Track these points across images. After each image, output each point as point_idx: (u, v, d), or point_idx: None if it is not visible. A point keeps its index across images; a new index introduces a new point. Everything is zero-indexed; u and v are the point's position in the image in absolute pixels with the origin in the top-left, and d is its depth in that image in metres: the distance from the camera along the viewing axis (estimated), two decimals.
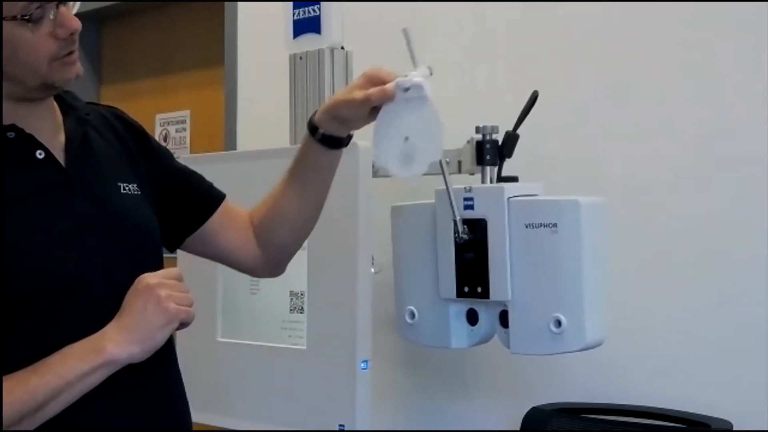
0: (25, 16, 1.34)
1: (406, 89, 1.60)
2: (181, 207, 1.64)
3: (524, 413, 2.10)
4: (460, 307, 1.95)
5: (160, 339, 1.40)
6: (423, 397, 2.46)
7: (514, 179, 1.96)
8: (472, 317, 1.94)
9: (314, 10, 2.19)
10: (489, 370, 2.32)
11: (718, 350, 2.02)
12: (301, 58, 2.21)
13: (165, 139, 3.36)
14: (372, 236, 2.01)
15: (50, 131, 1.44)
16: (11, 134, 1.39)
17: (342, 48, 2.20)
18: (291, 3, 2.23)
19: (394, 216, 2.07)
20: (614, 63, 2.18)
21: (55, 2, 1.35)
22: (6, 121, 1.40)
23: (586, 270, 1.76)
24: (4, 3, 1.35)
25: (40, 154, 1.41)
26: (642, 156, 2.13)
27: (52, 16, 1.35)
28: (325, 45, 2.17)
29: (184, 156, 2.37)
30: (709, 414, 1.96)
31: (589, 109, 2.21)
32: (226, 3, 3.00)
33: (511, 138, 1.97)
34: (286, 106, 2.26)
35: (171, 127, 3.37)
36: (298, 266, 2.03)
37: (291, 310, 2.08)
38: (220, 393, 2.20)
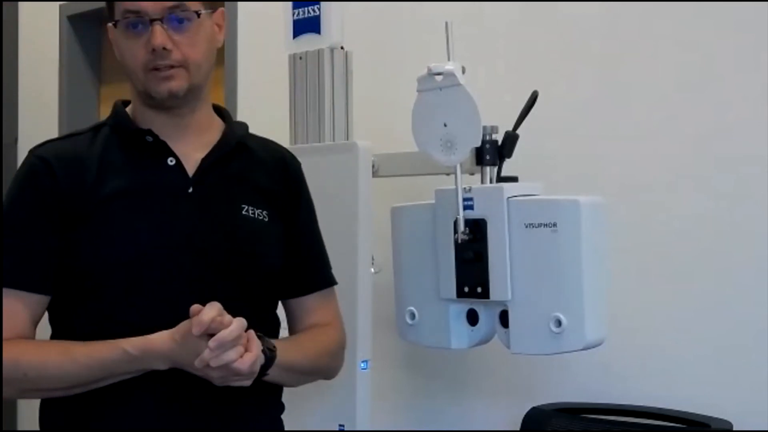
0: (118, 23, 1.50)
1: (438, 74, 1.69)
2: (287, 267, 1.63)
3: (524, 413, 2.10)
4: (460, 308, 1.95)
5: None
6: (423, 397, 2.46)
7: (514, 179, 1.96)
8: (473, 317, 1.94)
9: (314, 10, 2.19)
10: (489, 370, 2.32)
11: (718, 350, 2.02)
12: (300, 58, 2.21)
13: None
14: (372, 236, 2.01)
15: (193, 145, 1.56)
16: (149, 138, 1.53)
17: (342, 48, 2.20)
18: (291, 3, 2.23)
19: (394, 216, 2.07)
20: (613, 63, 2.18)
21: (149, 17, 1.48)
22: (148, 126, 1.55)
23: (586, 269, 1.76)
24: (115, 4, 1.51)
25: (171, 161, 1.53)
26: (641, 156, 2.13)
27: (149, 30, 1.48)
28: (325, 45, 2.17)
29: None
30: (709, 414, 1.96)
31: (588, 109, 2.21)
32: (226, 3, 3.00)
33: (511, 138, 1.97)
34: (286, 106, 2.26)
35: None
36: None
37: None
38: None
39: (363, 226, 1.98)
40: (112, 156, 1.53)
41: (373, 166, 2.05)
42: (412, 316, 2.01)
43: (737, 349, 2.00)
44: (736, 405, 1.96)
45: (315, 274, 1.69)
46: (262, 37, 2.83)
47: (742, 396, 1.98)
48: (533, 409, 2.11)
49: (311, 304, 1.66)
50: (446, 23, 1.82)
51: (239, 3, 2.96)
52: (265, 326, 1.52)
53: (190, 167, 1.54)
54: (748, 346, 1.98)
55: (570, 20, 2.24)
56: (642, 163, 2.13)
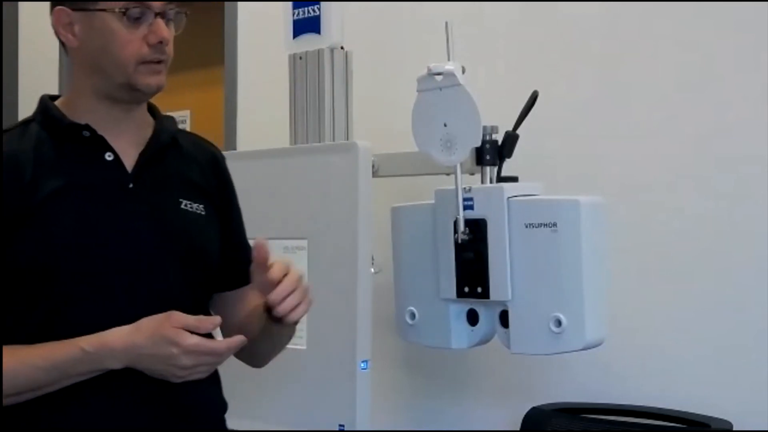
0: (122, 10, 1.46)
1: (438, 74, 1.69)
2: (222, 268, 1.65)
3: (524, 413, 2.10)
4: (461, 308, 1.95)
5: (162, 376, 1.44)
6: (423, 398, 2.46)
7: (513, 179, 1.96)
8: (473, 317, 1.94)
9: (314, 10, 2.19)
10: (489, 370, 2.32)
11: (718, 350, 2.02)
12: (300, 58, 2.21)
13: None
14: (372, 236, 2.01)
15: (130, 140, 1.54)
16: (86, 133, 1.50)
17: (342, 48, 2.20)
18: (291, 3, 2.23)
19: (394, 216, 2.07)
20: (613, 63, 2.18)
21: (154, 12, 1.48)
22: (84, 120, 1.51)
23: (586, 269, 1.77)
24: None
25: (108, 156, 1.51)
26: (641, 155, 2.13)
27: (149, 23, 1.48)
28: (325, 45, 2.17)
29: None
30: (709, 414, 1.96)
31: (588, 109, 2.21)
32: (226, 3, 3.00)
33: (511, 138, 1.98)
34: (286, 106, 2.26)
35: None
36: (298, 266, 2.03)
37: None
38: None
39: (363, 226, 1.98)
40: (47, 153, 1.49)
41: (373, 166, 2.05)
42: (412, 316, 2.01)
43: (737, 349, 2.00)
44: (736, 405, 1.96)
45: (242, 266, 1.67)
46: (262, 37, 2.83)
47: (742, 396, 1.98)
48: (533, 409, 2.11)
49: (246, 293, 1.67)
50: (446, 23, 1.82)
51: (239, 3, 2.96)
52: (196, 314, 1.52)
53: (128, 163, 1.52)
54: (748, 346, 1.98)
55: (570, 20, 2.24)
56: (642, 163, 2.13)
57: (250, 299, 1.66)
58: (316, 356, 2.03)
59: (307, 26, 2.21)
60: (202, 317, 1.45)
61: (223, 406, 1.66)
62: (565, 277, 1.77)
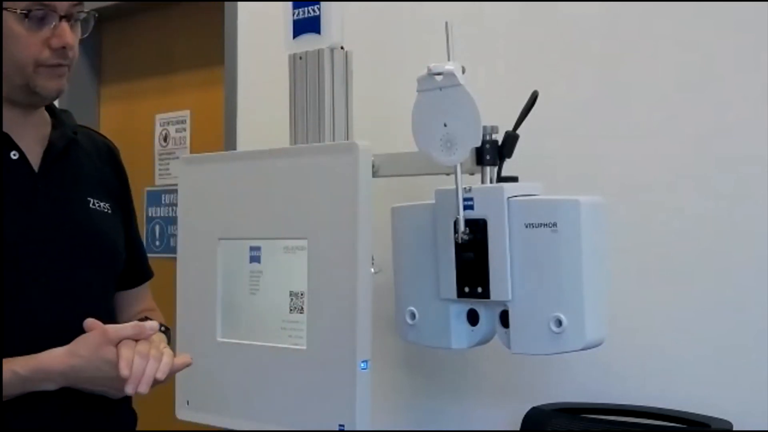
0: (24, 12, 1.42)
1: (438, 74, 1.70)
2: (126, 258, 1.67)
3: (524, 413, 2.10)
4: (461, 308, 1.95)
5: (104, 393, 1.45)
6: (423, 398, 2.46)
7: (514, 179, 1.96)
8: (473, 317, 1.94)
9: (314, 10, 2.19)
10: (489, 370, 2.32)
11: (718, 350, 2.02)
12: (300, 58, 2.21)
13: (165, 139, 3.36)
14: (372, 236, 2.00)
15: (33, 139, 1.52)
16: None
17: (342, 48, 2.20)
18: (291, 3, 2.23)
19: (394, 216, 2.07)
20: (613, 63, 2.18)
21: (59, 14, 1.43)
22: None
23: (586, 269, 1.77)
24: None
25: (14, 155, 1.49)
26: (641, 155, 2.13)
27: (52, 25, 1.44)
28: (325, 45, 2.17)
29: (183, 156, 2.38)
30: (709, 414, 1.96)
31: (588, 109, 2.21)
32: (226, 3, 3.00)
33: (511, 138, 1.98)
34: (286, 106, 2.25)
35: (171, 127, 3.37)
36: (298, 266, 2.03)
37: (291, 310, 2.08)
38: (220, 393, 2.20)
39: (363, 226, 1.97)
40: None
41: (373, 166, 2.05)
42: (412, 316, 2.01)
43: (737, 349, 2.00)
44: (736, 405, 1.96)
45: (144, 264, 1.73)
46: (262, 37, 2.83)
47: (742, 396, 1.98)
48: (533, 409, 2.11)
49: (141, 293, 1.70)
50: (446, 23, 1.82)
51: (239, 3, 2.96)
52: (111, 316, 1.55)
53: (34, 161, 1.51)
54: (748, 347, 1.98)
55: (570, 20, 2.24)
56: (642, 163, 2.13)
57: (144, 298, 1.69)
58: (316, 356, 2.03)
59: (307, 26, 2.21)
60: (136, 324, 1.42)
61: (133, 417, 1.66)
62: (565, 277, 1.77)
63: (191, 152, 3.24)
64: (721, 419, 1.94)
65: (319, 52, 2.18)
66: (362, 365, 1.96)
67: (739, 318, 2.00)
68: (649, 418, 2.01)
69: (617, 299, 1.92)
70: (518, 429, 2.11)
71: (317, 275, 2.04)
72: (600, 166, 2.18)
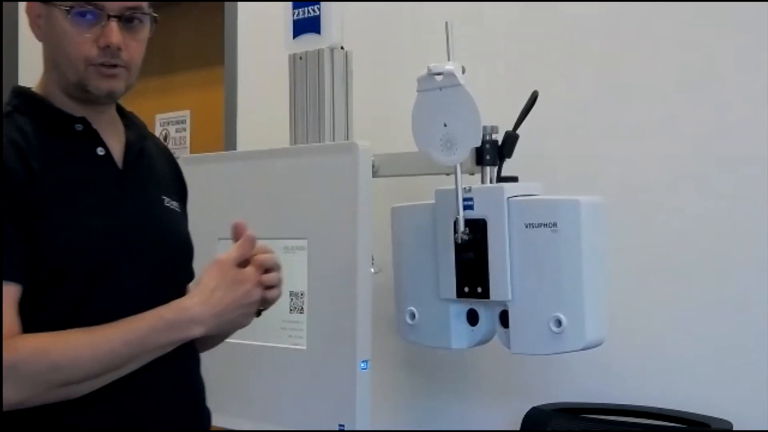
0: (66, 9, 1.43)
1: (438, 74, 1.69)
2: None
3: (524, 413, 2.10)
4: (461, 308, 1.95)
5: (240, 323, 1.53)
6: (423, 397, 2.46)
7: (513, 179, 1.96)
8: (473, 317, 1.94)
9: (314, 10, 2.19)
10: (489, 370, 2.32)
11: (718, 350, 2.02)
12: (300, 58, 2.21)
13: (165, 139, 3.36)
14: (372, 236, 2.01)
15: (112, 136, 1.53)
16: (79, 126, 1.49)
17: (342, 48, 2.20)
18: (291, 3, 2.23)
19: (394, 216, 2.07)
20: (613, 63, 2.18)
21: (107, 14, 1.43)
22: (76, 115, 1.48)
23: (586, 269, 1.77)
24: None
25: (100, 151, 1.50)
26: (641, 155, 2.13)
27: (102, 25, 1.44)
28: (325, 45, 2.17)
29: (183, 156, 2.37)
30: (709, 414, 1.96)
31: (588, 109, 2.21)
32: (226, 3, 3.00)
33: (511, 138, 1.98)
34: (286, 106, 2.26)
35: (171, 127, 3.37)
36: (298, 266, 2.03)
37: (291, 310, 2.08)
38: (220, 393, 2.20)
39: (363, 226, 1.98)
40: (42, 145, 1.45)
41: (373, 166, 2.05)
42: (412, 316, 2.01)
43: (737, 349, 2.00)
44: (736, 405, 1.96)
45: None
46: (262, 37, 2.83)
47: (742, 396, 1.98)
48: (533, 409, 2.11)
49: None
50: (446, 23, 1.82)
51: (239, 3, 2.96)
52: None
53: (117, 157, 1.52)
54: (748, 347, 1.98)
55: (570, 20, 2.24)
56: (642, 163, 2.13)
57: None
58: (316, 356, 2.03)
59: (307, 26, 2.21)
60: (239, 242, 1.51)
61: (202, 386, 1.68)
62: (565, 277, 1.77)
63: (191, 152, 3.24)
64: (721, 419, 1.94)
65: (319, 52, 2.18)
66: (362, 365, 1.96)
67: (739, 318, 2.00)
68: (649, 418, 2.01)
69: (617, 299, 1.92)
70: (518, 429, 2.11)
71: (317, 275, 2.04)
72: (600, 166, 2.18)
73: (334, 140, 2.17)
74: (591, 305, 1.77)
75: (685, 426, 1.96)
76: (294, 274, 2.01)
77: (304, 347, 2.06)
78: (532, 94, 1.99)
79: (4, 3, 3.72)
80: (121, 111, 1.60)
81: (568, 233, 1.77)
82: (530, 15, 2.30)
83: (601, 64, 2.20)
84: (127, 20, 1.46)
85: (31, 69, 4.12)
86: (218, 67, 3.08)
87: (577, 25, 2.23)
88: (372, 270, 2.04)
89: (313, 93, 2.19)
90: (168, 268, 1.54)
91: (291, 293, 2.08)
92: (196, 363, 1.63)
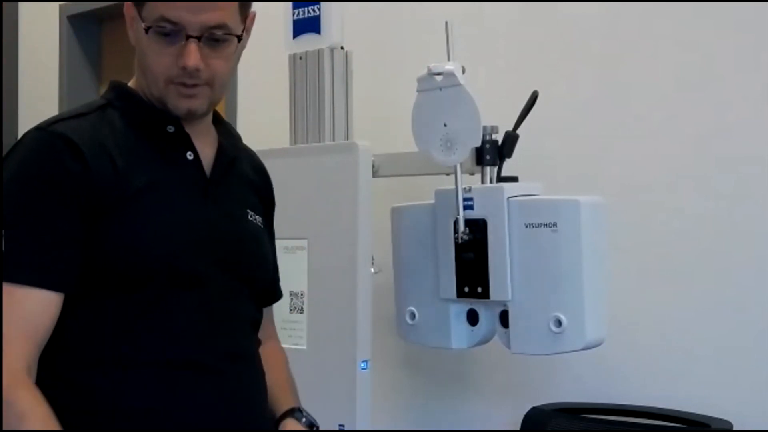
0: (147, 27, 1.37)
1: (438, 74, 1.69)
2: None
3: (524, 413, 2.10)
4: (461, 308, 1.95)
5: None
6: (423, 397, 2.46)
7: (514, 179, 1.96)
8: (473, 317, 1.94)
9: (314, 10, 2.19)
10: (489, 370, 2.32)
11: (718, 350, 2.02)
12: (300, 58, 2.21)
13: None
14: (372, 236, 2.01)
15: (205, 143, 1.48)
16: (171, 128, 1.44)
17: (342, 48, 2.20)
18: (291, 3, 2.23)
19: (394, 216, 2.07)
20: (614, 63, 2.18)
21: (186, 33, 1.36)
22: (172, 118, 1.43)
23: (586, 269, 1.77)
24: (149, 5, 1.37)
25: (189, 155, 1.45)
26: (641, 155, 2.13)
27: (182, 44, 1.37)
28: (325, 45, 2.17)
29: None
30: (709, 414, 1.96)
31: (588, 109, 2.21)
32: None
33: (511, 138, 1.98)
34: (286, 106, 2.26)
35: None
36: (298, 266, 2.03)
37: (291, 310, 2.08)
38: None
39: (363, 226, 1.98)
40: (131, 143, 1.41)
41: (373, 166, 2.05)
42: (412, 316, 2.01)
43: (737, 350, 2.00)
44: (736, 405, 1.96)
45: (277, 283, 1.66)
46: (262, 37, 2.83)
47: (742, 396, 1.98)
48: (533, 409, 2.11)
49: (268, 314, 1.63)
50: (446, 23, 1.82)
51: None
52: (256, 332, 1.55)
53: (206, 165, 1.47)
54: (749, 347, 1.98)
55: (570, 20, 2.24)
56: (642, 163, 2.13)
57: (269, 321, 1.63)
58: (316, 356, 2.03)
59: (307, 26, 2.21)
60: None
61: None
62: (565, 277, 1.77)
63: None
64: (721, 419, 1.94)
65: (319, 52, 2.18)
66: (362, 365, 1.97)
67: (740, 318, 2.00)
68: (649, 418, 2.01)
69: (617, 299, 1.92)
70: (518, 429, 2.11)
71: (317, 275, 2.04)
72: (600, 166, 2.18)
73: (334, 140, 2.17)
74: (591, 305, 1.77)
75: (685, 426, 1.96)
76: (294, 274, 2.01)
77: (304, 347, 2.06)
78: (532, 94, 1.99)
79: (4, 3, 3.72)
80: (217, 119, 1.55)
81: (568, 233, 1.77)
82: (530, 15, 2.30)
83: (601, 64, 2.20)
84: (209, 39, 1.38)
85: (31, 69, 4.15)
86: None
87: (577, 25, 2.23)
88: (372, 270, 2.04)
89: (313, 93, 2.19)
90: (245, 285, 1.49)
91: (291, 293, 2.08)
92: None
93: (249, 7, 1.46)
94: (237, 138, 1.59)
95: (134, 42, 1.45)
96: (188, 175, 1.45)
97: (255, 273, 1.52)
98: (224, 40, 1.40)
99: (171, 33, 1.37)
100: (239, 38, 1.44)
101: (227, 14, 1.40)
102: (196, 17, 1.36)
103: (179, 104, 1.41)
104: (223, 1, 1.39)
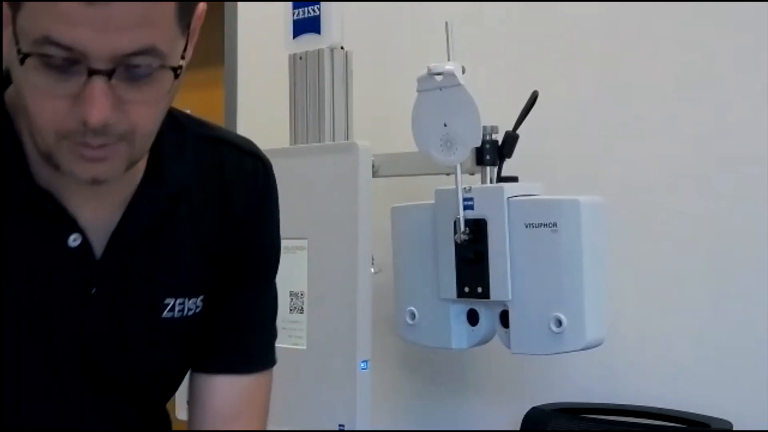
0: (24, 54, 0.88)
1: (438, 74, 1.69)
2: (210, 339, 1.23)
3: (524, 413, 2.10)
4: (461, 308, 1.95)
5: None
6: (423, 397, 2.46)
7: (514, 179, 1.96)
8: (473, 317, 1.94)
9: (314, 10, 2.19)
10: (489, 370, 2.32)
11: (718, 350, 2.02)
12: (300, 58, 2.21)
13: None
14: (372, 236, 2.01)
15: (103, 206, 1.07)
16: (50, 206, 1.04)
17: (342, 48, 2.20)
18: (291, 3, 2.23)
19: (394, 216, 2.07)
20: (614, 63, 2.18)
21: (87, 66, 0.87)
22: (44, 184, 1.03)
23: (586, 269, 1.77)
24: (28, 8, 0.88)
25: (74, 241, 1.04)
26: (641, 155, 2.13)
27: (82, 82, 0.88)
28: (325, 45, 2.17)
29: None
30: (709, 414, 1.96)
31: (588, 109, 2.21)
32: (226, 3, 3.00)
33: (511, 138, 1.98)
34: (286, 106, 2.26)
35: None
36: (298, 266, 2.03)
37: (291, 310, 2.08)
38: None
39: (363, 226, 1.98)
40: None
41: (373, 166, 2.05)
42: (412, 316, 2.01)
43: (737, 350, 2.00)
44: (736, 405, 1.96)
45: (250, 355, 1.30)
46: (262, 37, 2.83)
47: (742, 396, 1.97)
48: (533, 409, 2.11)
49: (235, 383, 1.30)
50: (446, 23, 1.82)
51: (239, 3, 2.96)
52: (155, 424, 1.25)
53: (100, 244, 1.06)
54: (749, 347, 1.98)
55: (570, 20, 2.24)
56: (642, 163, 2.13)
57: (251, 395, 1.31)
58: (316, 356, 2.03)
59: (307, 26, 2.21)
60: None
61: None
62: (565, 277, 1.77)
63: None
64: (721, 419, 1.94)
65: (319, 52, 2.18)
66: (362, 365, 1.96)
67: (739, 318, 2.00)
68: (649, 418, 2.00)
69: (617, 299, 1.92)
70: (518, 429, 2.11)
71: (317, 275, 2.04)
72: (600, 166, 2.18)
73: (334, 140, 2.17)
74: (591, 305, 1.77)
75: (685, 426, 1.96)
76: (294, 274, 2.01)
77: (304, 347, 2.06)
78: (532, 94, 1.99)
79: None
80: (158, 150, 1.07)
81: (568, 233, 1.77)
82: (530, 15, 2.30)
83: (601, 64, 2.20)
84: (128, 72, 0.90)
85: None
86: (218, 67, 3.08)
87: (577, 25, 2.23)
88: (372, 270, 2.04)
89: (313, 93, 2.19)
90: (111, 396, 1.13)
91: (291, 293, 2.08)
92: None
93: (193, 6, 1.01)
94: (181, 176, 1.11)
95: (7, 61, 0.94)
96: (69, 270, 1.05)
97: (139, 380, 1.16)
98: (150, 74, 0.91)
99: (64, 64, 0.87)
100: (176, 71, 0.94)
101: (157, 31, 0.90)
102: (103, 38, 0.86)
103: (78, 170, 0.95)
104: (151, 1, 0.88)
